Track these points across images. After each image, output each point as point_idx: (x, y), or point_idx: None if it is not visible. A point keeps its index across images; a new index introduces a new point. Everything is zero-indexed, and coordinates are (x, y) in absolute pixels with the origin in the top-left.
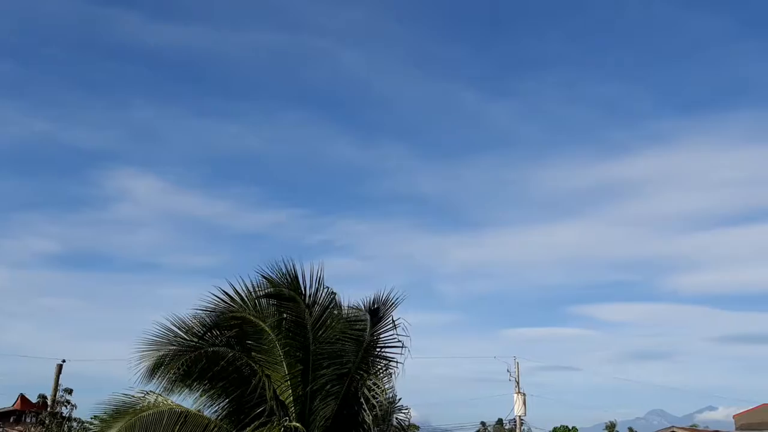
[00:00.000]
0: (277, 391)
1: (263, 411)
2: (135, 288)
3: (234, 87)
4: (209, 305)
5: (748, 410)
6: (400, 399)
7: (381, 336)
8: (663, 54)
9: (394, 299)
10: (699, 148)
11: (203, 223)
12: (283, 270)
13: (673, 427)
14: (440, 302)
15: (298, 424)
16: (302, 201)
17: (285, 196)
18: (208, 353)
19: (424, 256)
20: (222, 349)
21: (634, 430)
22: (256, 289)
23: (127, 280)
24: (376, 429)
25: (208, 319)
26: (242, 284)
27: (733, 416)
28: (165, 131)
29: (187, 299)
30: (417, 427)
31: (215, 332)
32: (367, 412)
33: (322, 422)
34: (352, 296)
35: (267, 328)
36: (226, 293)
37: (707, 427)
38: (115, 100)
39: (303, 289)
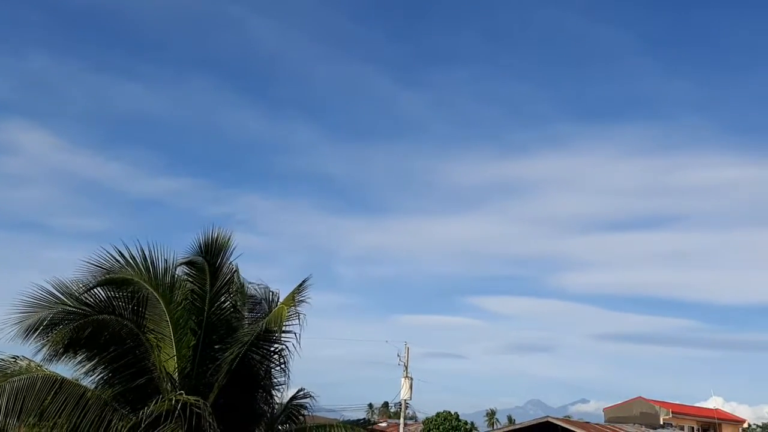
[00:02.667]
0: (168, 363)
1: (148, 382)
2: (18, 248)
3: (139, 45)
4: (97, 270)
5: (616, 405)
6: (299, 389)
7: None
8: (568, 61)
9: (304, 284)
10: (595, 155)
11: (97, 185)
12: (198, 237)
13: (548, 416)
14: (337, 284)
15: (197, 398)
16: (203, 171)
17: (185, 164)
18: (92, 320)
19: (325, 237)
20: (108, 316)
21: (513, 417)
22: (151, 254)
23: (9, 238)
24: (268, 406)
25: (94, 285)
26: (137, 249)
27: (603, 409)
28: (61, 84)
29: (74, 263)
30: (305, 407)
31: (102, 297)
32: (261, 389)
33: (213, 396)
34: (251, 273)
35: (159, 297)
36: (114, 257)
37: (581, 418)
38: (8, 47)
39: (208, 257)
